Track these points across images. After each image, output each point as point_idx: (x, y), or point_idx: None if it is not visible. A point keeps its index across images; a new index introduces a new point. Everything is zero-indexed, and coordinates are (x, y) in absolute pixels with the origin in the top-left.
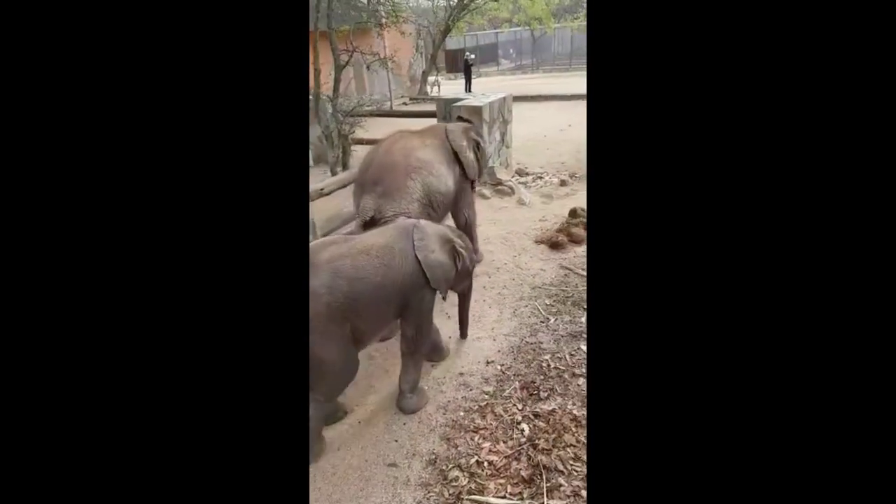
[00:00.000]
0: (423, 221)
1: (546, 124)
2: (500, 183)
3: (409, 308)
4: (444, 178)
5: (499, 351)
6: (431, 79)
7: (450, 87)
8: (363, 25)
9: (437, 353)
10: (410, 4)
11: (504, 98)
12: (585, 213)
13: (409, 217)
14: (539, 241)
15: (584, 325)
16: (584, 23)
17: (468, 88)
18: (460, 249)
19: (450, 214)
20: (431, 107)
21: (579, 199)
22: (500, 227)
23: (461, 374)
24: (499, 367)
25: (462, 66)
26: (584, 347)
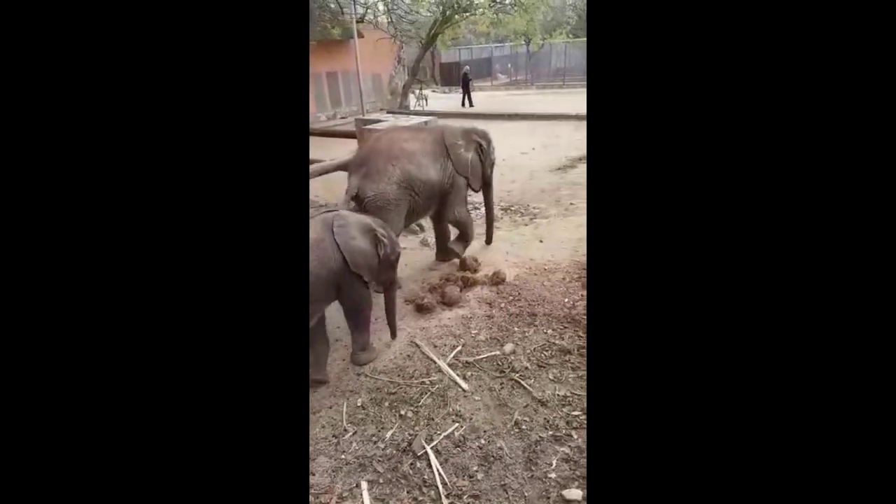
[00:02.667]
0: (344, 212)
1: (509, 148)
2: None
3: (342, 292)
4: (426, 169)
5: None
6: (417, 91)
7: (440, 100)
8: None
9: (366, 353)
10: (402, 16)
11: (426, 121)
12: (474, 265)
13: (380, 198)
14: (408, 301)
15: (390, 440)
16: (571, 38)
17: (468, 103)
18: (381, 238)
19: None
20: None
21: (495, 245)
22: None
23: None
24: None
25: (460, 79)
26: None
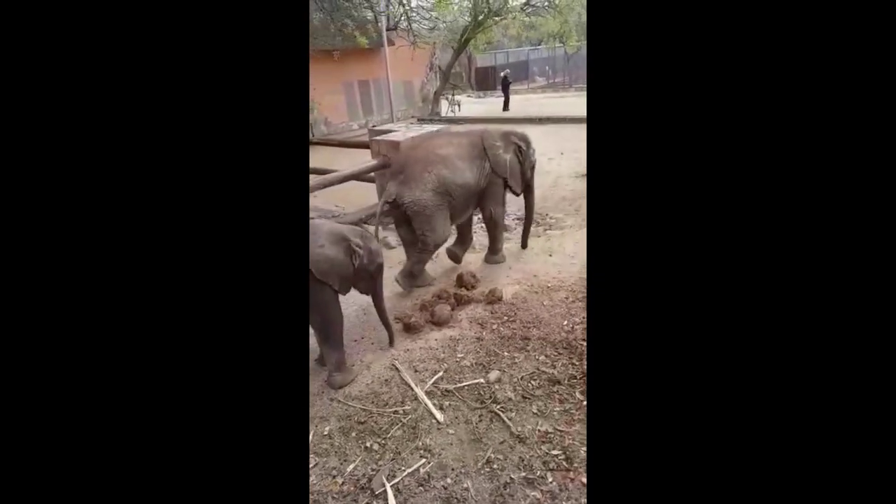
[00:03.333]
0: (319, 221)
1: (536, 153)
2: None
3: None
4: (462, 172)
5: None
6: (450, 97)
7: (475, 105)
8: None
9: (342, 374)
10: (437, 22)
11: (438, 132)
12: (471, 281)
13: (418, 204)
14: (397, 319)
15: (349, 475)
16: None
17: (506, 107)
18: (356, 248)
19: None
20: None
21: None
22: None
23: None
24: None
25: (500, 84)
26: None
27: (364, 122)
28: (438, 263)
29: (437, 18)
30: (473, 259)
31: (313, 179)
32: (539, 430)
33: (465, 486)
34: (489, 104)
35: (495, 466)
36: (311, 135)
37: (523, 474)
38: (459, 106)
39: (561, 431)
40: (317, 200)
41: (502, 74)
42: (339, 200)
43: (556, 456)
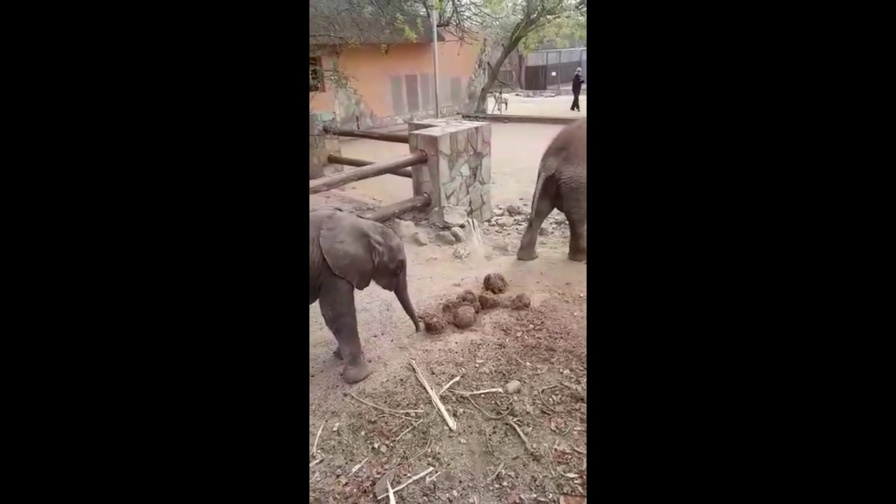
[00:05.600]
0: (340, 213)
1: None
2: (446, 227)
3: (321, 291)
4: None
5: None
6: (497, 95)
7: (523, 105)
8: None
9: (356, 369)
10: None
11: (477, 128)
12: (499, 284)
13: (574, 181)
14: (420, 317)
15: (354, 476)
16: None
17: (576, 105)
18: (376, 245)
19: None
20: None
21: (530, 264)
22: None
23: None
24: None
25: (573, 82)
26: None
27: (409, 117)
28: (466, 263)
29: (488, 15)
30: (503, 261)
31: (351, 171)
32: (556, 450)
33: (471, 500)
34: (540, 103)
35: (505, 484)
36: (355, 127)
37: (534, 495)
38: (507, 104)
39: (579, 453)
40: (354, 192)
41: (576, 72)
42: (375, 193)
43: (572, 479)
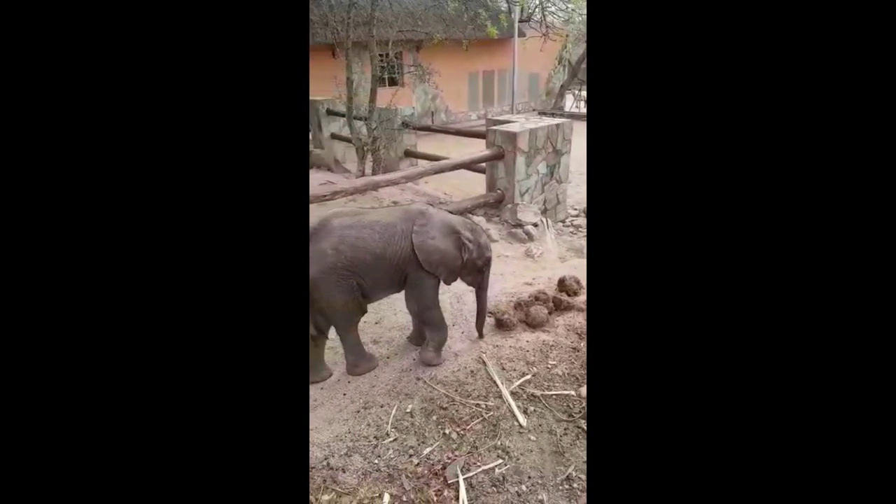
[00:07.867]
0: (432, 209)
1: None
2: (519, 225)
3: (408, 283)
4: None
5: None
6: (576, 92)
7: None
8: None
9: (435, 354)
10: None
11: (558, 125)
12: (574, 287)
13: None
14: (490, 313)
15: (425, 458)
16: None
17: None
18: (465, 242)
19: None
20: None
21: None
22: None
23: None
24: None
25: None
26: None
27: (483, 113)
28: (539, 263)
29: (573, 11)
30: (578, 264)
31: (428, 165)
32: None
33: (540, 497)
34: None
35: (575, 486)
36: (430, 122)
37: None
38: (585, 101)
39: None
40: (426, 187)
41: None
42: (448, 188)
43: None
